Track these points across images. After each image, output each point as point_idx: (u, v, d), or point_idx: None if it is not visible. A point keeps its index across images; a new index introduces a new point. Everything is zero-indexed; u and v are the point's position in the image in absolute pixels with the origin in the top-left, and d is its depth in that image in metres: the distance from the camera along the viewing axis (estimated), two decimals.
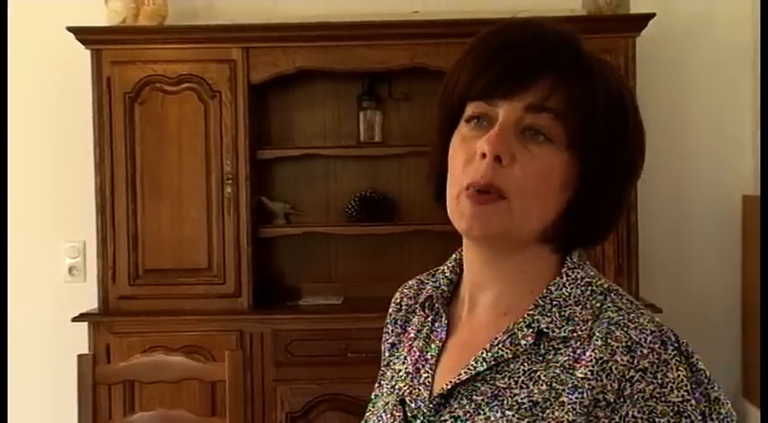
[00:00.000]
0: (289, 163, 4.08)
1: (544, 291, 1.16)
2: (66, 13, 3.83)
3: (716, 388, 1.08)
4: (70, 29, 3.71)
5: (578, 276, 1.17)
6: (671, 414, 1.04)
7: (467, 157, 1.14)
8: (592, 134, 1.12)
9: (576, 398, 1.06)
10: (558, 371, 1.09)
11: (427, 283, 1.30)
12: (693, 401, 1.05)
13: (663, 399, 1.05)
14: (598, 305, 1.14)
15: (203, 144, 3.77)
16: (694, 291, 4.05)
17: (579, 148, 1.13)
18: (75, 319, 3.73)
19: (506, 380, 1.11)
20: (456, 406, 1.13)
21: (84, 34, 3.74)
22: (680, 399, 1.05)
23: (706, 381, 1.08)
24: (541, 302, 1.15)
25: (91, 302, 3.82)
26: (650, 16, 3.67)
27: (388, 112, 4.07)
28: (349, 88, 4.05)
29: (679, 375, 1.06)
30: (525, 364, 1.12)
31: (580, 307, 1.14)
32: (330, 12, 3.93)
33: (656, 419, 1.04)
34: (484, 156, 1.11)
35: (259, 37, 3.78)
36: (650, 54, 3.87)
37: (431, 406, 1.15)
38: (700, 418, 1.05)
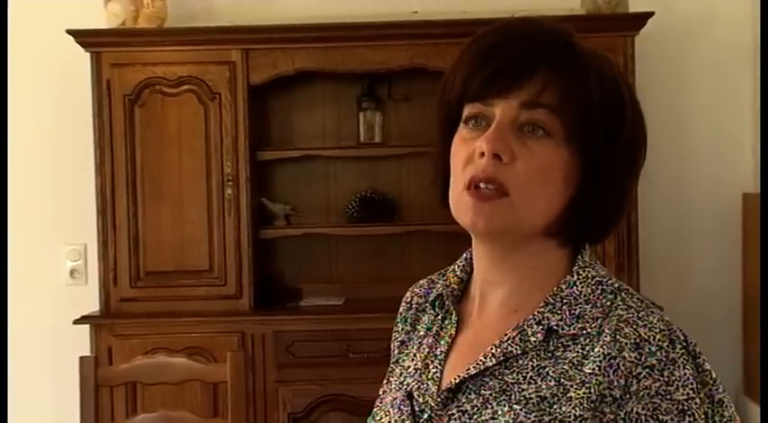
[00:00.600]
0: (289, 164, 4.08)
1: (555, 289, 1.16)
2: (66, 15, 3.83)
3: (720, 390, 1.08)
4: (70, 32, 3.71)
5: (589, 275, 1.17)
6: (675, 412, 1.05)
7: (467, 156, 1.14)
8: (588, 126, 1.13)
9: (584, 393, 1.07)
10: (566, 367, 1.10)
11: (438, 282, 1.30)
12: (698, 400, 1.06)
13: (668, 396, 1.05)
14: (608, 303, 1.14)
15: (203, 146, 3.77)
16: (695, 289, 4.05)
17: (578, 142, 1.13)
18: (76, 322, 3.73)
19: (515, 375, 1.12)
20: (464, 400, 1.14)
21: (83, 37, 3.74)
22: (685, 397, 1.05)
23: (711, 382, 1.08)
24: (552, 300, 1.15)
25: (92, 305, 3.82)
26: (649, 15, 3.68)
27: (387, 112, 4.07)
28: (348, 89, 4.05)
29: (685, 374, 1.06)
30: (534, 360, 1.12)
31: (590, 305, 1.14)
32: (329, 13, 3.93)
33: (661, 417, 1.05)
34: (483, 155, 1.12)
35: (258, 38, 3.78)
36: (649, 53, 3.87)
37: (438, 400, 1.16)
38: (703, 417, 1.05)
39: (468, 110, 1.16)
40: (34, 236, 4.09)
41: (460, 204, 1.15)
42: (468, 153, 1.14)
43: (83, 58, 3.77)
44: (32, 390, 4.06)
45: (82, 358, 2.73)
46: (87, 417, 2.67)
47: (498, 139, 1.12)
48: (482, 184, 1.12)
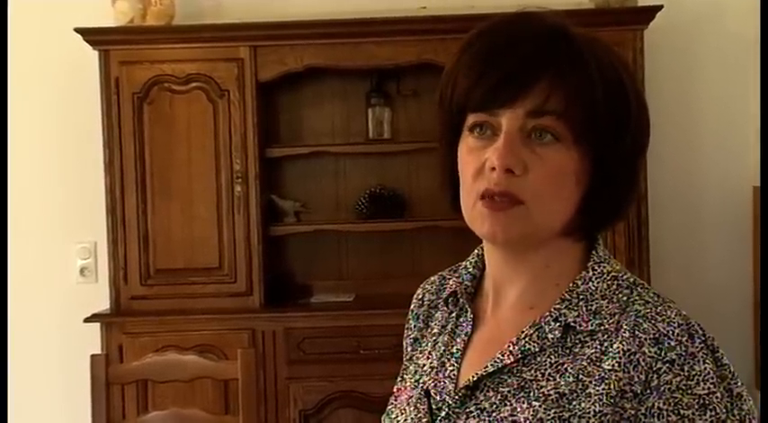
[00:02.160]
0: (298, 161, 4.08)
1: (570, 285, 1.16)
2: (74, 14, 3.83)
3: (739, 384, 1.09)
4: (78, 30, 3.71)
5: (605, 271, 1.17)
6: (696, 406, 1.05)
7: (476, 168, 1.13)
8: (596, 126, 1.12)
9: (603, 389, 1.07)
10: (585, 363, 1.10)
11: (449, 279, 1.30)
12: (719, 395, 1.06)
13: (689, 391, 1.05)
14: (625, 299, 1.14)
15: (212, 143, 3.77)
16: (706, 283, 4.03)
17: (586, 142, 1.12)
18: (87, 320, 3.74)
19: (533, 372, 1.12)
20: (482, 398, 1.13)
21: (91, 35, 3.74)
22: (705, 391, 1.06)
23: (730, 376, 1.08)
24: (568, 296, 1.15)
25: (103, 303, 3.83)
26: (658, 8, 3.66)
27: (396, 108, 4.06)
28: (357, 85, 4.05)
29: (705, 368, 1.07)
30: (552, 357, 1.12)
31: (607, 301, 1.14)
32: (337, 9, 3.93)
33: (682, 411, 1.05)
34: (494, 169, 1.11)
35: (267, 35, 3.78)
36: (658, 46, 3.86)
37: (456, 398, 1.15)
38: (724, 411, 1.06)
39: (472, 118, 1.15)
40: (44, 235, 4.10)
41: (476, 215, 1.14)
42: (477, 164, 1.13)
43: (91, 56, 3.77)
44: (43, 388, 4.07)
45: (93, 356, 2.73)
46: (98, 415, 2.68)
47: (509, 152, 1.10)
48: (496, 198, 1.11)
